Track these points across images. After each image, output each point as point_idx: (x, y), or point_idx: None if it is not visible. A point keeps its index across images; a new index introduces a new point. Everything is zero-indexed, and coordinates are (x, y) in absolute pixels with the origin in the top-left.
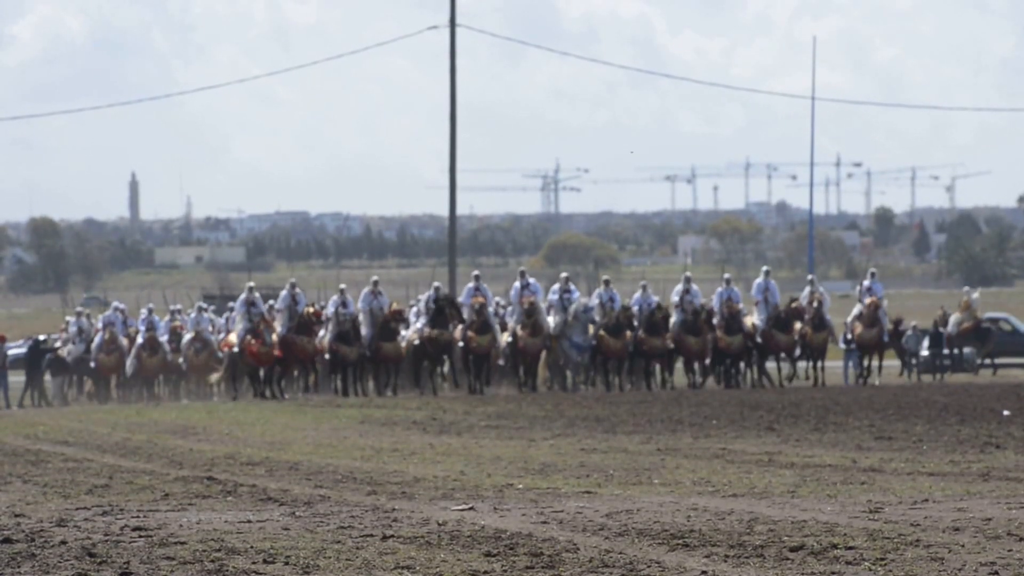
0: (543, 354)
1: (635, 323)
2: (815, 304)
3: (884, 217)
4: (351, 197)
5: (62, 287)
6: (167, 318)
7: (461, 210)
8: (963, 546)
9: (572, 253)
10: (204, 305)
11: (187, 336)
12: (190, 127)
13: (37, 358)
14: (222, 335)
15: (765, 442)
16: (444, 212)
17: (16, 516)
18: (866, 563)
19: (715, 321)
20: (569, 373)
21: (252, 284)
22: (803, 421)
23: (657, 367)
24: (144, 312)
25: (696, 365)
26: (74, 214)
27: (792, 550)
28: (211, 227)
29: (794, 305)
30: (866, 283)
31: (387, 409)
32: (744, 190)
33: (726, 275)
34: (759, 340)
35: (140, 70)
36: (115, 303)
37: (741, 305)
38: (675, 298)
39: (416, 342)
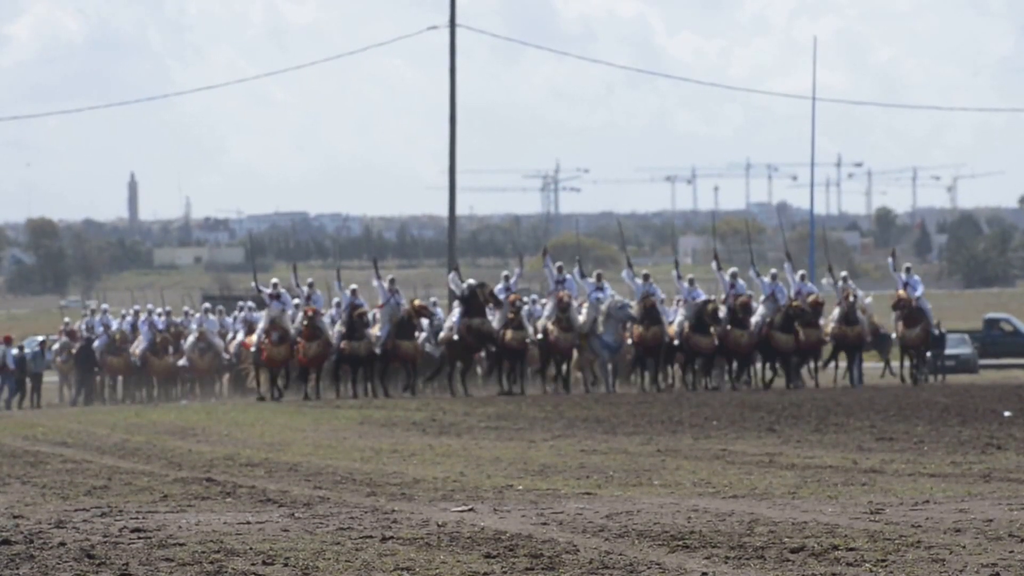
0: (575, 354)
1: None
2: (851, 299)
3: (885, 218)
4: (350, 198)
5: (61, 288)
6: (162, 318)
7: (461, 211)
8: (964, 547)
9: (572, 254)
10: (210, 306)
11: (191, 337)
12: (188, 128)
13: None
14: (231, 335)
15: (766, 443)
16: (444, 213)
17: (15, 517)
18: (867, 564)
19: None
20: (597, 371)
21: (276, 280)
22: (804, 422)
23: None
24: (146, 314)
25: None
26: (73, 215)
27: (793, 551)
28: (210, 228)
29: (795, 304)
30: (903, 278)
31: (386, 410)
32: (745, 190)
33: (772, 271)
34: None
35: (137, 71)
36: (103, 305)
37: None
38: (721, 295)
39: (455, 337)
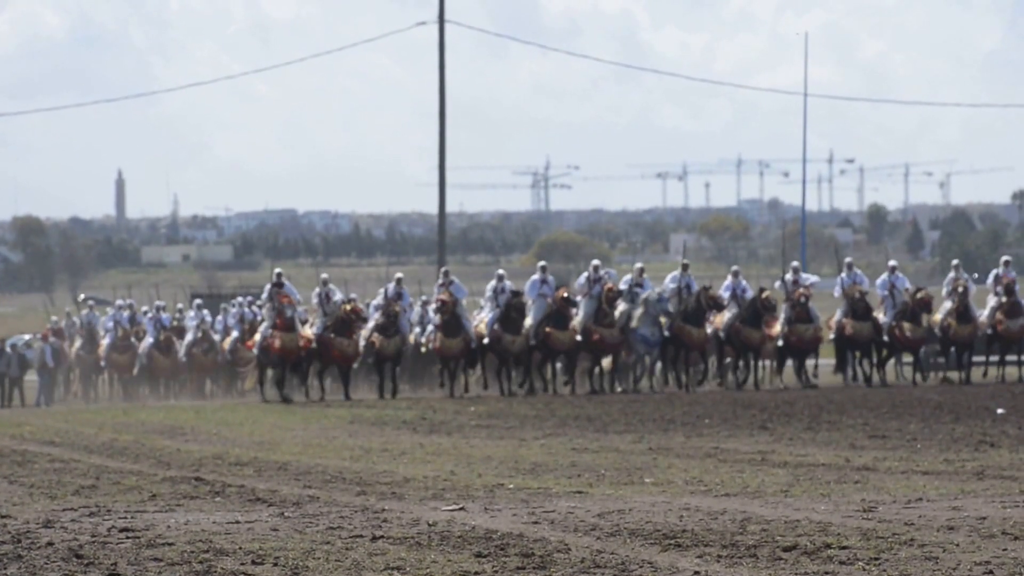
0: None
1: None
2: (960, 291)
3: (877, 214)
4: (339, 195)
5: (48, 286)
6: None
7: (450, 208)
8: (958, 545)
9: (563, 251)
10: (201, 302)
11: (189, 336)
12: (174, 125)
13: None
14: (235, 333)
15: (758, 441)
16: (433, 210)
17: (2, 517)
18: (860, 563)
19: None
20: (632, 370)
21: (280, 271)
22: (796, 420)
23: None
24: (152, 311)
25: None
26: (59, 212)
27: (785, 550)
28: (198, 225)
29: (920, 296)
30: (999, 271)
31: (376, 409)
32: (736, 187)
33: (848, 259)
34: (886, 337)
35: (119, 67)
36: (119, 301)
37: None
38: (777, 284)
39: (485, 341)
